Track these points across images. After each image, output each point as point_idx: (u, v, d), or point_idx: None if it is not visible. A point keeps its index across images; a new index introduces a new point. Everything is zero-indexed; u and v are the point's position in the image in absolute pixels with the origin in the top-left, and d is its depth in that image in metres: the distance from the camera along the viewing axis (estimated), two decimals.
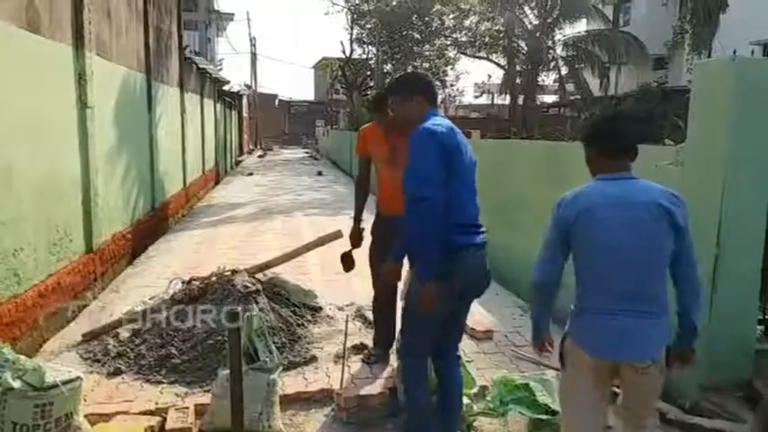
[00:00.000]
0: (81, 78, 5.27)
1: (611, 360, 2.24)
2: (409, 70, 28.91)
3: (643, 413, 2.37)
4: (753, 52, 17.50)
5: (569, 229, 2.24)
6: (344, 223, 7.41)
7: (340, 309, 4.99)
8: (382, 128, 3.81)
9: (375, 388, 3.49)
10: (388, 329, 4.02)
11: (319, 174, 20.81)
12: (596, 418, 2.34)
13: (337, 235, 4.87)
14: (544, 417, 3.14)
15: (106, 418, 3.14)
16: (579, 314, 2.29)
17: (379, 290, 3.95)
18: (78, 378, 2.97)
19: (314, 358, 4.01)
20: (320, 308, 4.84)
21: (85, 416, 3.05)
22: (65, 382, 2.84)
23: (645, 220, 2.16)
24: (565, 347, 2.35)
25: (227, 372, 2.73)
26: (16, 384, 2.74)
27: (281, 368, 3.34)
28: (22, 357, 2.93)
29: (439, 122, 2.69)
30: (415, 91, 2.84)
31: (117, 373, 3.75)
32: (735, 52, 10.71)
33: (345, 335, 3.78)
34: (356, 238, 4.02)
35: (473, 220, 2.74)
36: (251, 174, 20.72)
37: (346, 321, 3.83)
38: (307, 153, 36.09)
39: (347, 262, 4.03)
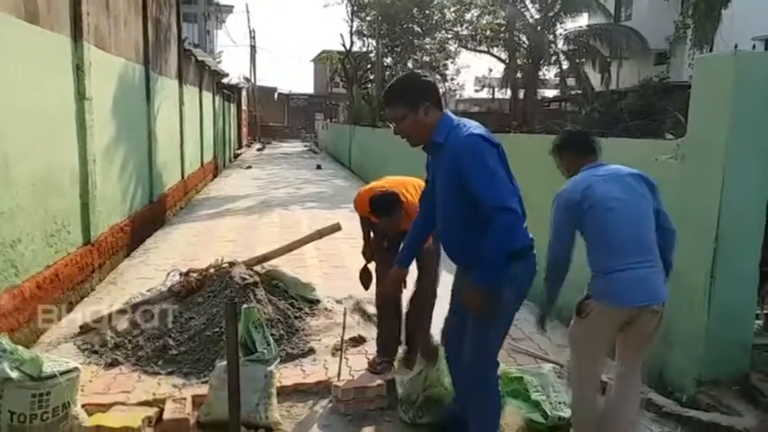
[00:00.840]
0: (79, 69, 5.24)
1: (638, 306, 2.62)
2: (406, 71, 28.53)
3: (639, 356, 2.84)
4: (754, 47, 17.43)
5: (578, 206, 2.66)
6: (343, 216, 7.39)
7: (338, 302, 4.97)
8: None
9: (372, 380, 3.48)
10: (394, 332, 3.79)
11: (318, 167, 20.76)
12: (601, 361, 2.85)
13: (336, 228, 4.87)
14: (540, 420, 3.13)
15: (104, 408, 3.13)
16: (600, 278, 2.66)
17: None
18: (76, 368, 2.97)
19: (312, 350, 4.01)
20: (318, 300, 4.83)
21: (83, 406, 3.06)
22: (62, 373, 2.84)
23: (632, 184, 2.70)
24: (588, 307, 2.68)
25: (225, 363, 2.73)
26: (14, 374, 2.74)
27: (278, 360, 3.34)
28: (20, 347, 2.93)
29: (472, 125, 2.53)
30: (419, 98, 2.50)
31: (114, 364, 3.75)
32: (736, 47, 10.69)
33: (343, 327, 3.78)
34: (369, 254, 3.91)
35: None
36: (249, 167, 20.68)
37: (344, 314, 3.83)
38: (306, 147, 36.03)
39: (365, 278, 3.92)
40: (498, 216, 2.36)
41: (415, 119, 2.51)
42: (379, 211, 3.49)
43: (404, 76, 2.78)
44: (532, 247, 2.60)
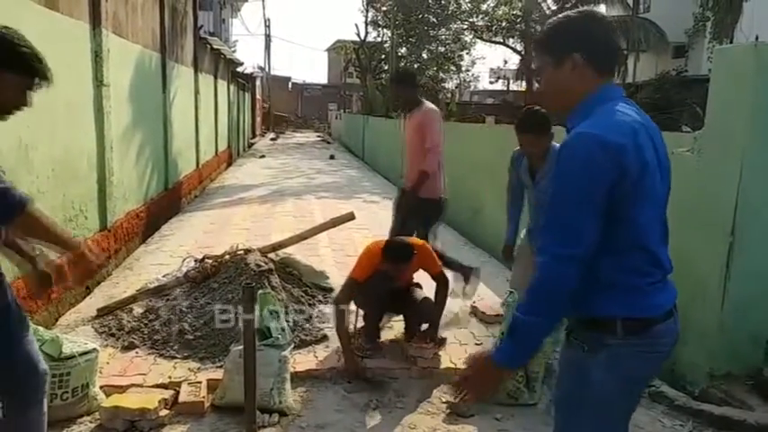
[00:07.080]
0: (97, 56, 5.29)
1: None
2: (420, 60, 28.60)
3: None
4: None
5: None
6: (357, 207, 7.44)
7: None
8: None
9: (386, 371, 3.51)
10: (377, 323, 4.00)
11: (332, 157, 20.78)
12: None
13: (350, 217, 4.90)
14: None
15: (121, 389, 3.19)
16: None
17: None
18: (94, 350, 3.04)
19: (325, 337, 4.04)
20: (331, 289, 4.86)
21: (100, 387, 3.12)
22: (81, 354, 2.91)
23: None
24: None
25: (240, 347, 2.77)
26: None
27: (292, 345, 3.38)
28: (41, 328, 3.00)
29: (621, 114, 1.55)
30: (567, 45, 1.61)
31: (131, 347, 3.81)
32: (758, 39, 10.52)
33: (356, 316, 3.81)
34: (354, 367, 3.61)
35: None
36: (263, 156, 20.76)
37: (357, 302, 3.85)
38: (319, 137, 36.04)
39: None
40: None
41: (552, 75, 1.63)
42: (393, 256, 3.59)
43: (565, 14, 1.72)
44: (656, 320, 1.59)
